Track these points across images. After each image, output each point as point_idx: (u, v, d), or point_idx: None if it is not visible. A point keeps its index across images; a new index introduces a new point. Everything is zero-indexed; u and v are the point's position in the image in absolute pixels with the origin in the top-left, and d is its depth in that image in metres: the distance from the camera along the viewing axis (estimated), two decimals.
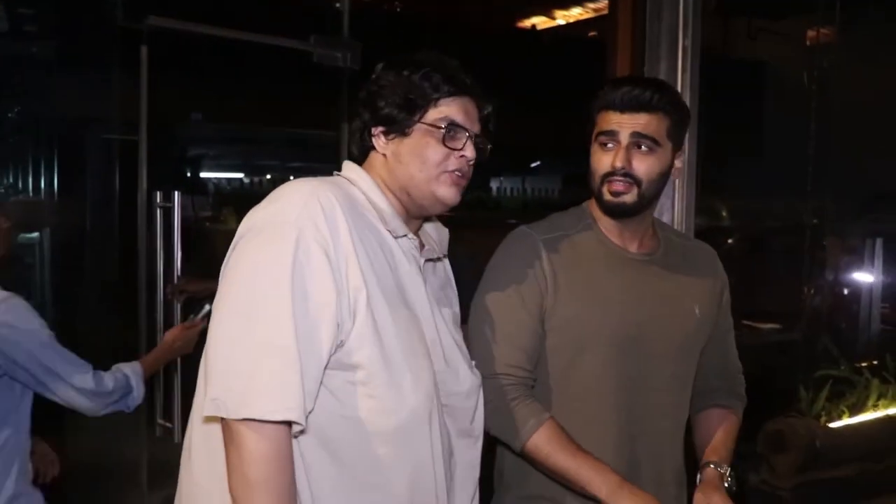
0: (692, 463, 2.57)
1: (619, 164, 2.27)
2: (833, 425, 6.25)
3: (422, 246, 1.85)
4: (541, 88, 9.78)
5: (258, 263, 1.57)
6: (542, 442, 2.09)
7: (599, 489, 2.07)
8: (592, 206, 2.39)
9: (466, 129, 1.75)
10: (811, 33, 9.40)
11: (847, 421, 6.32)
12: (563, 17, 13.90)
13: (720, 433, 2.52)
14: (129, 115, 4.91)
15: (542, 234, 2.29)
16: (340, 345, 1.62)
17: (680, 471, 2.49)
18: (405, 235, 1.76)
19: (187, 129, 9.54)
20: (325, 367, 1.61)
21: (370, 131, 1.78)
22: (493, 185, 14.11)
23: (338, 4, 5.40)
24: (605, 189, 2.29)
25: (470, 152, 1.76)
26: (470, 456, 1.87)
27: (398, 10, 10.26)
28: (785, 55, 9.78)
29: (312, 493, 1.60)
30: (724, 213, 8.20)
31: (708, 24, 9.74)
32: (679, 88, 5.77)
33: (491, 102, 1.82)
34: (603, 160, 2.32)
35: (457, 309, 1.96)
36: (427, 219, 1.97)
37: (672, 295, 2.32)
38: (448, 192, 1.76)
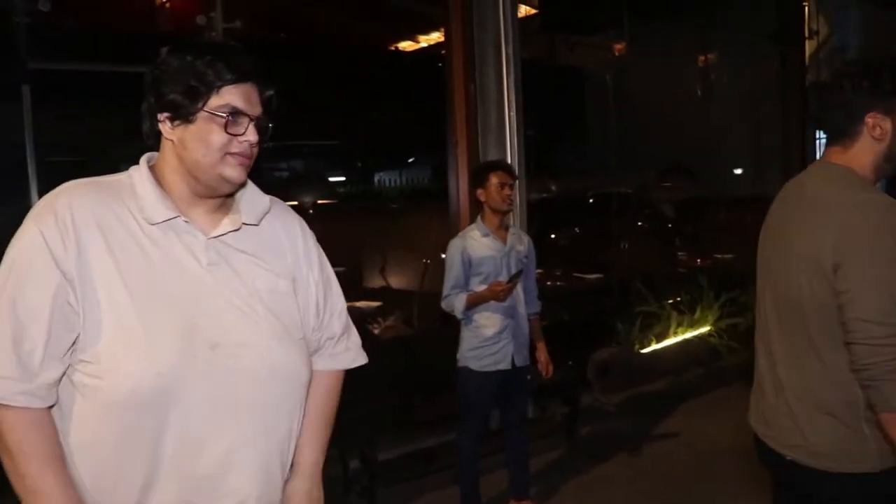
0: None
1: None
2: (644, 351, 6.24)
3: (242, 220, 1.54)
4: (409, 98, 9.49)
5: None
6: None
7: None
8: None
9: (248, 115, 1.45)
10: (613, 44, 9.41)
11: (655, 346, 6.32)
12: (424, 41, 13.78)
13: None
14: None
15: None
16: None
17: None
18: (171, 219, 1.46)
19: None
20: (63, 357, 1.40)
21: (157, 116, 1.46)
22: (376, 178, 13.88)
23: (213, 34, 4.98)
24: None
25: (252, 136, 1.47)
26: (249, 430, 1.49)
27: (284, 39, 9.73)
28: (596, 62, 9.75)
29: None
30: (553, 188, 8.14)
31: (535, 39, 9.69)
32: (505, 90, 5.64)
33: (272, 85, 1.52)
34: None
35: (282, 275, 1.59)
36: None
37: None
38: (233, 173, 1.46)
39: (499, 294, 3.76)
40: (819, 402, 1.93)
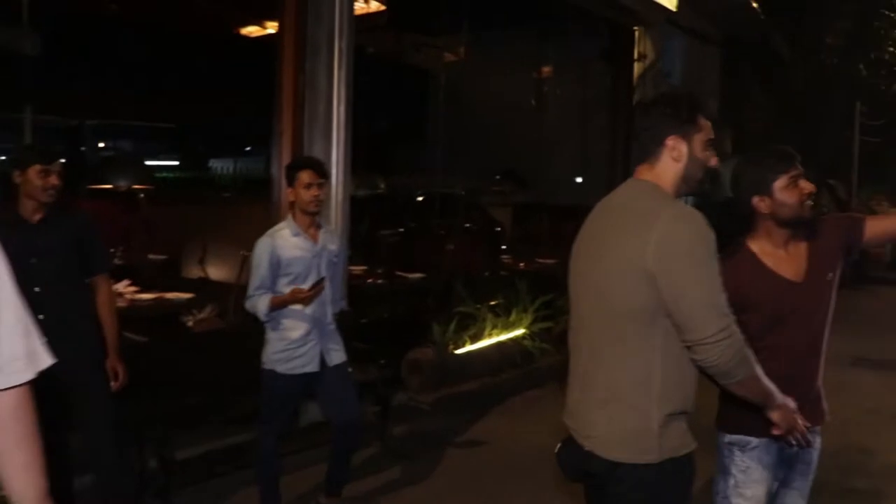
0: None
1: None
2: (459, 351, 6.31)
3: None
4: (251, 85, 9.18)
5: None
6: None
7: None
8: None
9: None
10: (454, 48, 9.52)
11: (470, 347, 6.41)
12: (271, 27, 13.30)
13: None
14: None
15: None
16: None
17: None
18: None
19: None
20: None
21: None
22: (211, 165, 13.38)
23: None
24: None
25: None
26: None
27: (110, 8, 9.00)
28: (438, 64, 9.83)
29: None
30: (381, 186, 8.11)
31: (382, 36, 9.64)
32: (335, 83, 5.56)
33: None
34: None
35: None
36: None
37: None
38: None
39: (301, 300, 3.68)
40: (619, 396, 2.10)
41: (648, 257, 1.99)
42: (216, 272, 6.64)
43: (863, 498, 4.46)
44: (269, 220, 5.61)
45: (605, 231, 2.18)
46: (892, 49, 16.75)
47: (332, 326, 3.89)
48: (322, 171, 3.80)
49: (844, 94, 17.57)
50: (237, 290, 5.89)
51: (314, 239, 3.79)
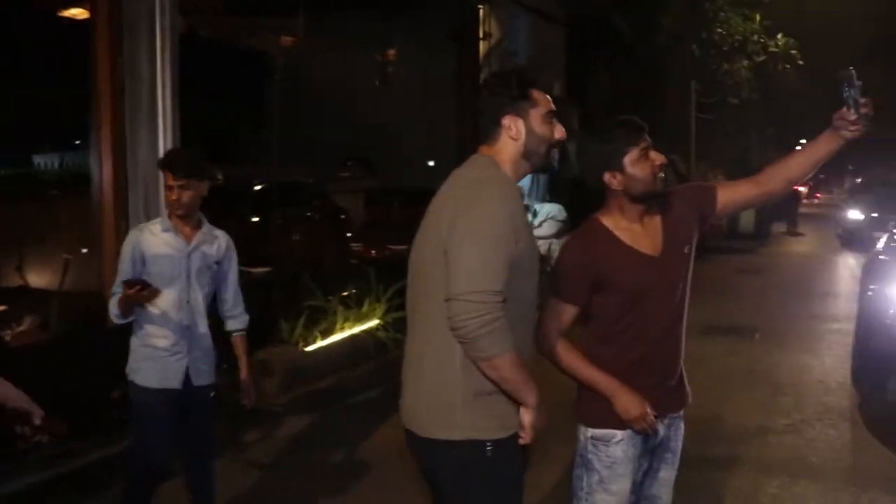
0: None
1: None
2: (310, 348, 6.07)
3: None
4: (76, 73, 8.49)
5: None
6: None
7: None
8: None
9: None
10: (293, 31, 9.18)
11: (321, 343, 6.18)
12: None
13: None
14: None
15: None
16: None
17: None
18: None
19: None
20: None
21: None
22: (35, 161, 12.36)
23: None
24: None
25: None
26: None
27: None
28: (276, 48, 9.45)
29: None
30: (218, 176, 7.68)
31: (215, 19, 9.16)
32: (159, 64, 5.13)
33: None
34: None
35: None
36: None
37: None
38: None
39: (134, 298, 3.29)
40: (425, 372, 2.09)
41: (446, 219, 2.00)
42: (37, 279, 6.08)
43: (719, 464, 4.58)
44: (93, 220, 5.18)
45: (432, 207, 2.15)
46: (720, 31, 17.74)
47: (207, 342, 3.51)
48: (184, 172, 3.32)
49: (680, 73, 18.49)
50: (60, 297, 5.43)
51: (187, 238, 3.41)
